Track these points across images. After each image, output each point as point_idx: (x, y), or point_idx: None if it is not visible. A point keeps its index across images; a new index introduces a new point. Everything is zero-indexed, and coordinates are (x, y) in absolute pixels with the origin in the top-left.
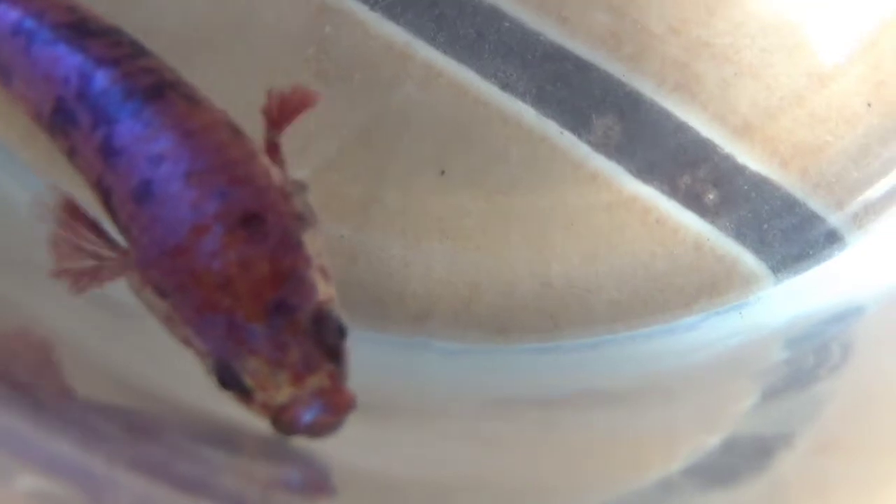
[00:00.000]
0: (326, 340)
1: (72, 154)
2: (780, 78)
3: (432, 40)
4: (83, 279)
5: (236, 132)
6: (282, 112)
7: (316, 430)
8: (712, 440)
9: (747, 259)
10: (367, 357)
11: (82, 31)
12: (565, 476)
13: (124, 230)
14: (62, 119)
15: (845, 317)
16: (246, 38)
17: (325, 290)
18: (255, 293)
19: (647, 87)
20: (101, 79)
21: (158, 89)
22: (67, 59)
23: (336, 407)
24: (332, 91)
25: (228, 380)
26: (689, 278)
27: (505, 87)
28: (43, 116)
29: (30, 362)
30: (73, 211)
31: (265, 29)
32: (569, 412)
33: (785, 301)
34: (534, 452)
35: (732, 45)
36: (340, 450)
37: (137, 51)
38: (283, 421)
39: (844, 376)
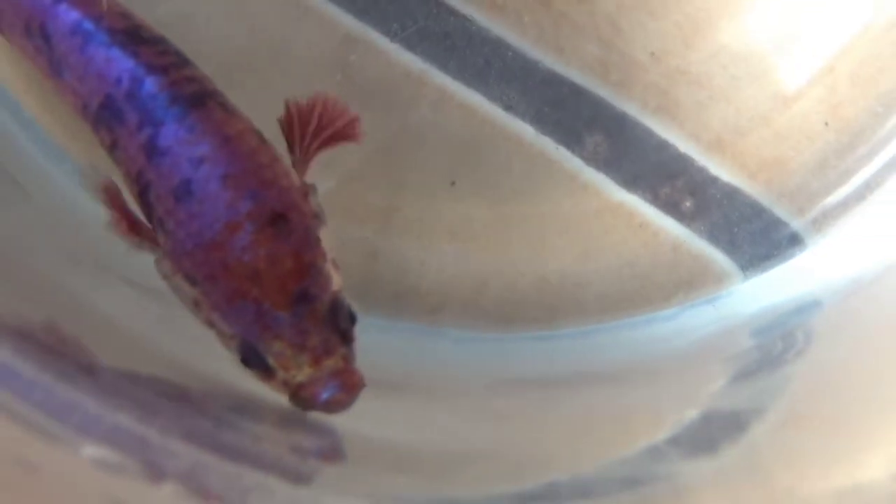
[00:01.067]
0: (340, 326)
1: (113, 147)
2: (748, 101)
3: (444, 68)
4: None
5: (262, 139)
6: (300, 121)
7: (332, 407)
8: (692, 414)
9: (719, 258)
10: (387, 343)
11: (135, 37)
12: (563, 446)
13: (158, 222)
14: (109, 115)
15: (806, 309)
16: (280, 64)
17: (337, 281)
18: (281, 285)
19: (631, 109)
20: (151, 84)
21: (200, 98)
22: (121, 62)
23: (349, 386)
24: (356, 111)
25: (253, 360)
26: (669, 275)
27: (508, 108)
28: (89, 110)
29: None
30: (112, 191)
31: (297, 56)
32: (565, 391)
33: (752, 295)
34: (535, 426)
35: (706, 73)
36: (365, 423)
37: (182, 60)
38: (302, 398)
39: (808, 360)
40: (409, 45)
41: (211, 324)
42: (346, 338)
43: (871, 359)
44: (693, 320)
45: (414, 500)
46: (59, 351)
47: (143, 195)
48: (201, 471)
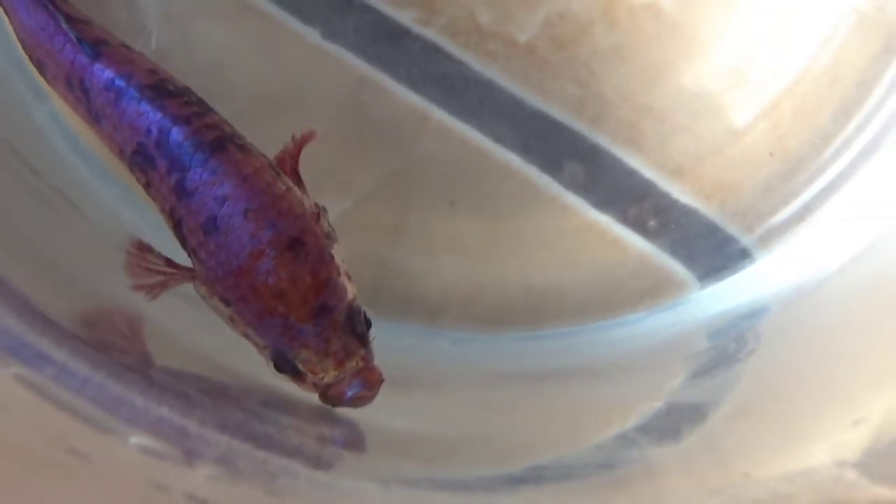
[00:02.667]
0: (357, 330)
1: (147, 186)
2: (705, 133)
3: (444, 105)
4: (154, 289)
5: (277, 172)
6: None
7: (357, 402)
8: (658, 406)
9: (679, 270)
10: (394, 343)
11: (162, 91)
12: (547, 433)
13: (192, 252)
14: (141, 160)
15: (755, 314)
16: (302, 102)
17: (351, 290)
18: (303, 300)
19: (604, 141)
20: (177, 133)
21: (220, 142)
22: (149, 115)
23: (371, 383)
24: (368, 143)
25: (285, 366)
26: (636, 284)
27: (498, 140)
28: (125, 154)
29: (123, 330)
30: (140, 245)
31: (317, 94)
32: (548, 385)
33: (708, 302)
34: (522, 416)
35: (668, 110)
36: (374, 414)
37: (204, 109)
38: (330, 396)
39: (757, 358)
40: (414, 87)
41: (246, 336)
42: (364, 340)
43: (813, 357)
44: (657, 323)
45: (418, 481)
46: (110, 351)
47: (177, 228)
48: (233, 456)
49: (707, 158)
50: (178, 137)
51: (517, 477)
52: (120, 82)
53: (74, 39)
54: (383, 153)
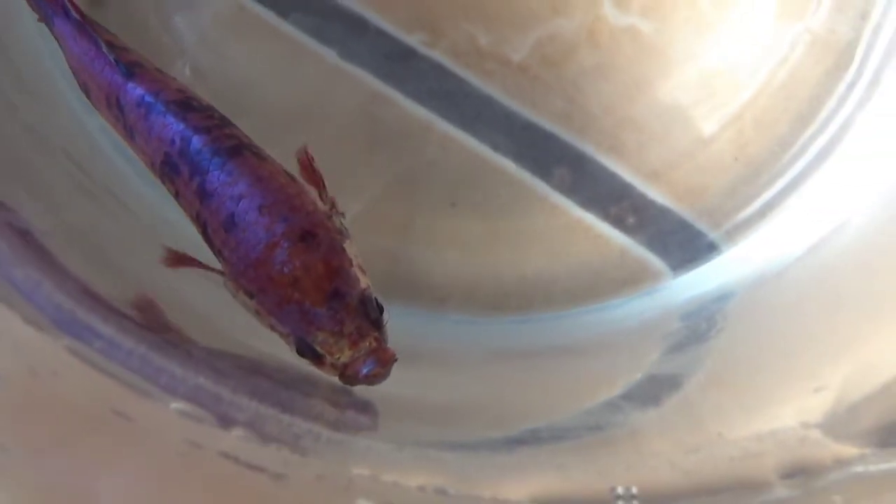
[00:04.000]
0: (371, 315)
1: (177, 196)
2: (677, 142)
3: (447, 117)
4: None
5: (291, 177)
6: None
7: (372, 380)
8: (639, 377)
9: (655, 261)
10: (405, 325)
11: (186, 106)
12: (541, 401)
13: (218, 253)
14: (169, 170)
15: (722, 298)
16: (321, 114)
17: (364, 280)
18: (317, 287)
19: (588, 149)
20: (197, 141)
21: (237, 148)
22: (173, 126)
23: (384, 361)
24: (379, 151)
25: (305, 350)
26: (618, 273)
27: (496, 148)
28: (155, 166)
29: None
30: (174, 254)
31: (334, 107)
32: (542, 360)
33: (681, 288)
34: (518, 387)
35: (645, 121)
36: (389, 386)
37: (224, 122)
38: (348, 375)
39: (725, 336)
40: (420, 101)
41: (272, 328)
42: (377, 324)
43: (775, 334)
44: (636, 308)
45: (427, 442)
46: (153, 328)
47: (204, 233)
48: (262, 420)
49: (679, 164)
50: (198, 145)
51: (515, 438)
52: (149, 98)
53: (112, 61)
54: (393, 160)
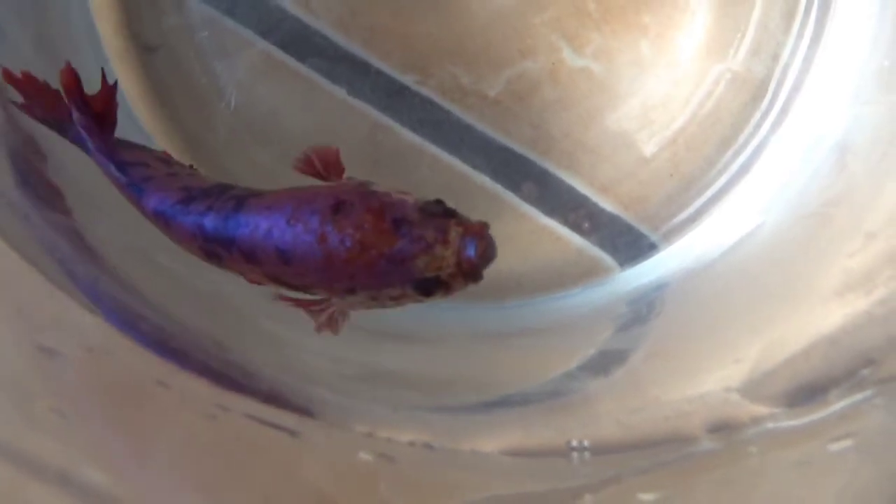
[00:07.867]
0: (435, 212)
1: (242, 275)
2: (623, 162)
3: (436, 142)
4: (331, 324)
5: (291, 189)
6: (320, 162)
7: (484, 256)
8: (592, 352)
9: (606, 258)
10: (401, 313)
11: (188, 200)
12: (513, 373)
13: (306, 289)
14: (207, 255)
15: (660, 287)
16: (332, 140)
17: (410, 197)
18: (379, 232)
19: (551, 167)
20: (209, 222)
21: (239, 203)
22: (187, 224)
23: (479, 233)
24: (380, 170)
25: (428, 287)
26: (575, 269)
27: (475, 167)
28: (198, 256)
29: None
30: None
31: (343, 135)
32: (513, 340)
33: (627, 280)
34: (494, 361)
35: (598, 144)
36: (386, 359)
37: (221, 189)
38: (466, 271)
39: (663, 318)
40: (414, 129)
41: (392, 298)
42: (447, 213)
43: (703, 316)
44: (591, 296)
45: (418, 406)
46: None
47: (287, 285)
48: (279, 387)
49: (625, 179)
50: (210, 224)
51: (490, 402)
52: (161, 208)
53: (124, 183)
54: (391, 177)
